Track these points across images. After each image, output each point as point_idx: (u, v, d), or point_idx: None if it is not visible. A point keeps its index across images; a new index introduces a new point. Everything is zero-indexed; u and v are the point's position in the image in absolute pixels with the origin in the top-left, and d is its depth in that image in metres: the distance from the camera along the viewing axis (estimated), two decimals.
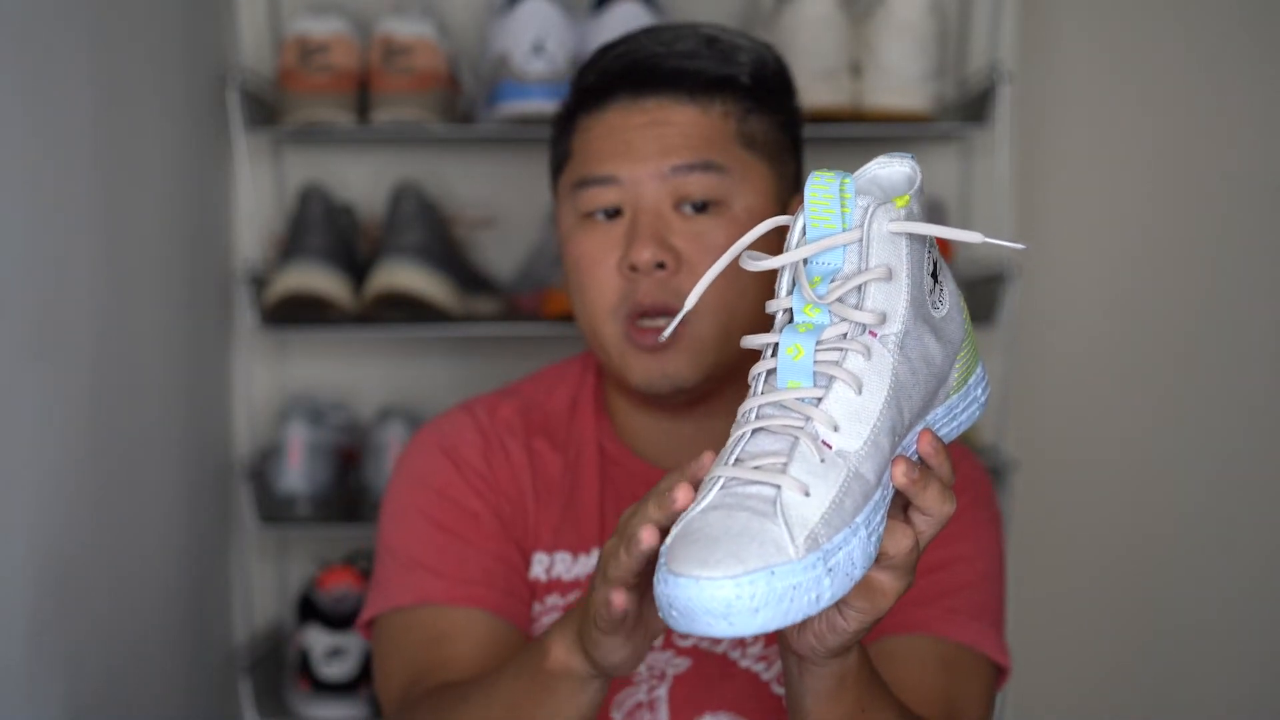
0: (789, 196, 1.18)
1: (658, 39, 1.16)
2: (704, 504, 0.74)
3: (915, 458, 0.80)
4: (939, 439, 0.80)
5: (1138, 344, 2.13)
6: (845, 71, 1.87)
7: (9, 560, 1.28)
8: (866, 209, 0.76)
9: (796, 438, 0.74)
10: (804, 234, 0.78)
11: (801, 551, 0.70)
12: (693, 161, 1.12)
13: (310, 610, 1.93)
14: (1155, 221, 2.14)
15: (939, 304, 0.80)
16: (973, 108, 1.95)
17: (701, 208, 1.12)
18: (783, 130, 1.17)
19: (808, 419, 0.75)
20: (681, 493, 0.78)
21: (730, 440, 0.77)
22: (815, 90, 1.82)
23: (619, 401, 1.22)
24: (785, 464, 0.73)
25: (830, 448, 0.74)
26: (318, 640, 1.91)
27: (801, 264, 0.78)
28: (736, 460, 0.75)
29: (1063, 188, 2.12)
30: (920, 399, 0.78)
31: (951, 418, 0.83)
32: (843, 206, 0.76)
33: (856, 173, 0.81)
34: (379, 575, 1.19)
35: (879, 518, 0.75)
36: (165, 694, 1.73)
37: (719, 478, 0.75)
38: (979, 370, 0.86)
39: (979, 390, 0.86)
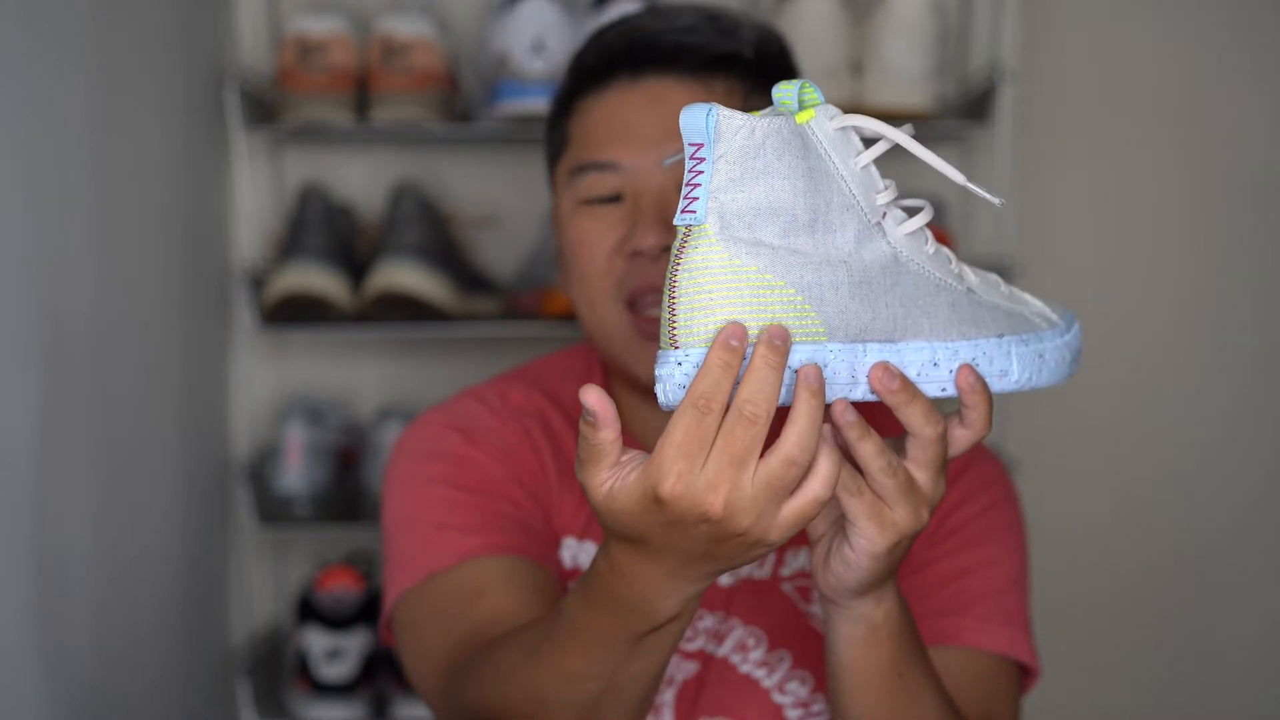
0: None
1: (657, 16, 1.12)
2: None
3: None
4: (979, 376, 0.79)
5: (1139, 342, 2.13)
6: (846, 70, 1.87)
7: (8, 560, 1.27)
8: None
9: None
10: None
11: None
12: None
13: (309, 611, 1.93)
14: (1156, 220, 2.13)
15: None
16: (974, 106, 1.94)
17: None
18: None
19: None
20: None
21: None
22: None
23: (624, 393, 1.17)
24: None
25: None
26: (316, 641, 1.91)
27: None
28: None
29: (1063, 186, 2.12)
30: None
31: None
32: None
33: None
34: (397, 556, 1.12)
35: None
36: (163, 695, 1.73)
37: None
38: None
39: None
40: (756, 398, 0.73)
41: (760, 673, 1.12)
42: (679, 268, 0.75)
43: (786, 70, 1.15)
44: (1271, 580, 2.14)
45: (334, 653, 1.90)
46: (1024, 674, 1.11)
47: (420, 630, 1.08)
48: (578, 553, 1.15)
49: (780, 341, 0.74)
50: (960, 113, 1.98)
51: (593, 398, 0.76)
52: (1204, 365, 2.14)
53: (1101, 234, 2.14)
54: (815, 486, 0.75)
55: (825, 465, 0.75)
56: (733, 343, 0.74)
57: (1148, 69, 2.12)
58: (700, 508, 0.74)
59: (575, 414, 1.18)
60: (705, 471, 0.74)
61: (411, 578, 1.10)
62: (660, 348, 0.76)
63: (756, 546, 0.77)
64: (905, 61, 1.86)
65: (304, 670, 1.92)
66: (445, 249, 1.95)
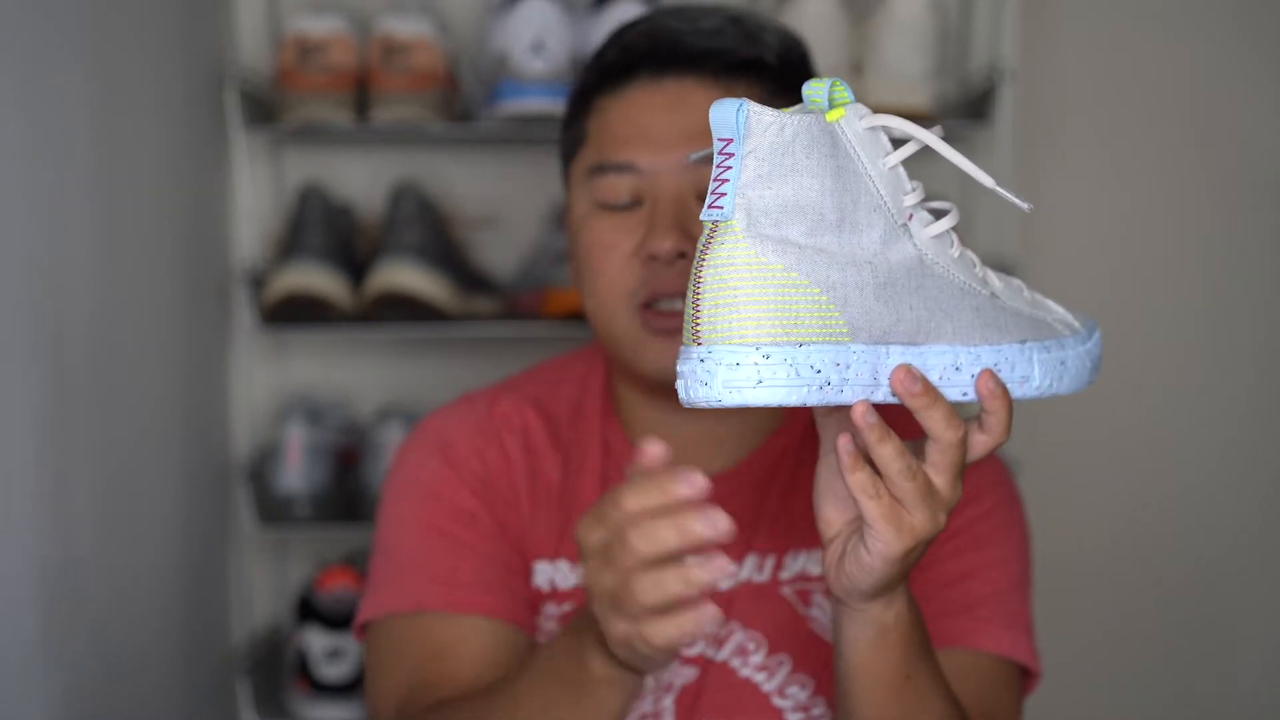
0: None
1: (681, 16, 1.12)
2: None
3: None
4: (1000, 382, 0.79)
5: (1140, 342, 2.13)
6: (846, 70, 1.87)
7: (9, 561, 1.27)
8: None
9: None
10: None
11: None
12: None
13: (309, 611, 1.93)
14: (1156, 220, 2.13)
15: None
16: (974, 106, 1.94)
17: None
18: None
19: None
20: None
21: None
22: None
23: (629, 396, 1.17)
24: None
25: None
26: (316, 641, 1.91)
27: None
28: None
29: (1064, 186, 2.12)
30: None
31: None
32: None
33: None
34: (375, 575, 1.16)
35: None
36: (164, 695, 1.73)
37: None
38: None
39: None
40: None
41: (760, 677, 1.12)
42: (704, 263, 0.74)
43: (807, 76, 1.14)
44: (1278, 582, 2.14)
45: (334, 653, 1.90)
46: (1025, 676, 1.11)
47: (381, 663, 1.12)
48: (552, 575, 1.15)
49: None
50: (960, 113, 1.98)
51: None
52: (1206, 365, 2.14)
53: (1102, 234, 2.14)
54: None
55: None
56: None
57: (1148, 68, 2.11)
58: None
59: (560, 434, 1.19)
60: None
61: (376, 609, 1.13)
62: (683, 343, 0.75)
63: None
64: (905, 61, 1.85)
65: (304, 670, 1.92)
66: (445, 249, 1.95)
